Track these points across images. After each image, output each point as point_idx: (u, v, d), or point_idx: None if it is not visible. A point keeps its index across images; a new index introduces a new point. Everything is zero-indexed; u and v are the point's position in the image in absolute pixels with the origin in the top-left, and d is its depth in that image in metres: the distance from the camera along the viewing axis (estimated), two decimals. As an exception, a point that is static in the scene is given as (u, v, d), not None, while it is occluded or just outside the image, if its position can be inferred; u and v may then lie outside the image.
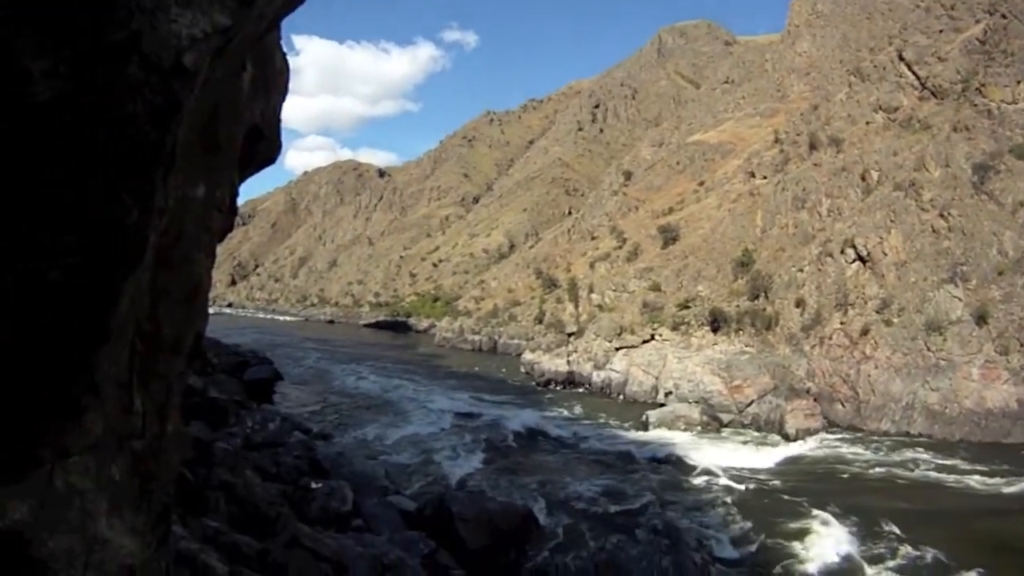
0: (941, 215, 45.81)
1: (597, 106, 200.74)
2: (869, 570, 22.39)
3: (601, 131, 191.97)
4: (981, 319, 39.46)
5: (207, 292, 5.63)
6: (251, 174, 7.55)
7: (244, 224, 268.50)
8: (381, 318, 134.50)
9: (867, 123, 65.40)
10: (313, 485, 23.31)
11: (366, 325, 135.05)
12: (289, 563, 12.87)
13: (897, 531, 24.92)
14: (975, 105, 52.21)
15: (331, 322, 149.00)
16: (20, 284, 3.03)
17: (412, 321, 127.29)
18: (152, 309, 4.34)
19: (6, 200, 2.91)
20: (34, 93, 2.81)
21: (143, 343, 4.25)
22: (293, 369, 63.70)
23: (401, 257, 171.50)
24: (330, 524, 19.72)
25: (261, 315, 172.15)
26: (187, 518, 12.09)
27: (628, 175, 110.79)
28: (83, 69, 2.93)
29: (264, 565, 12.19)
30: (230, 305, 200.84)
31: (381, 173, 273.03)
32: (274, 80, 6.74)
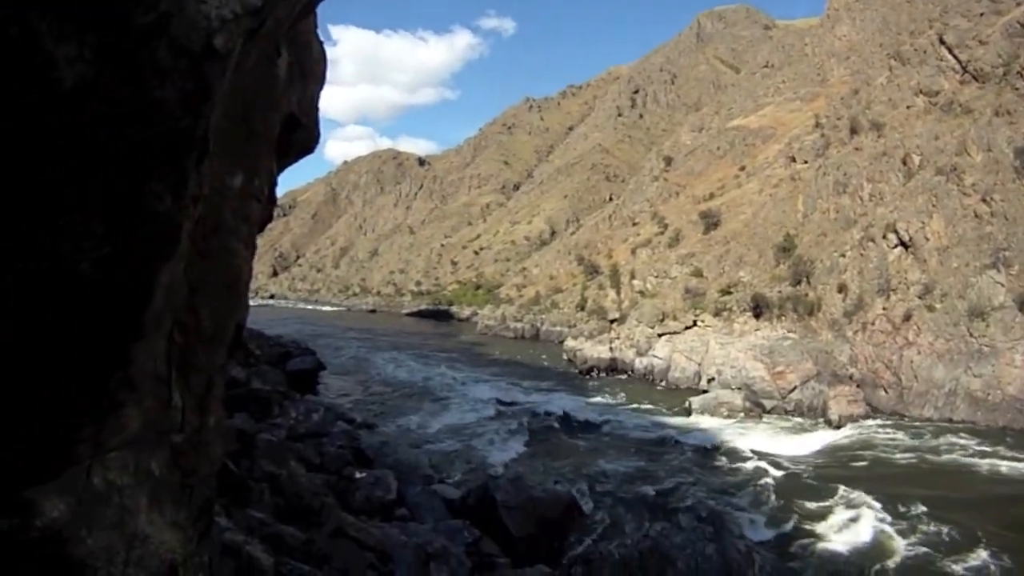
0: (983, 200, 44.92)
1: (636, 91, 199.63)
2: (909, 556, 22.06)
3: (641, 116, 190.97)
4: (1024, 305, 38.82)
5: (247, 282, 5.58)
6: (290, 163, 7.51)
7: (285, 215, 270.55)
8: (423, 307, 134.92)
9: (908, 107, 64.16)
10: (357, 475, 23.38)
11: (408, 314, 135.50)
12: (334, 553, 12.89)
13: (938, 519, 24.44)
14: (1017, 89, 51.05)
15: (373, 311, 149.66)
16: (50, 277, 2.97)
17: (454, 309, 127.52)
18: (191, 300, 4.29)
19: (32, 189, 2.84)
20: (59, 80, 2.73)
21: (181, 335, 4.20)
22: (336, 359, 64.01)
23: (442, 245, 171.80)
24: (374, 513, 19.77)
25: (303, 306, 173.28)
26: (231, 510, 12.14)
27: (668, 160, 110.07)
28: (109, 54, 2.84)
29: (309, 555, 12.21)
30: (272, 296, 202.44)
31: (421, 162, 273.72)
32: (311, 68, 6.68)
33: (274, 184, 6.33)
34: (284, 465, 19.34)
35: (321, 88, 7.24)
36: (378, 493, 21.27)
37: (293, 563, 10.60)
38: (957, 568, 21.24)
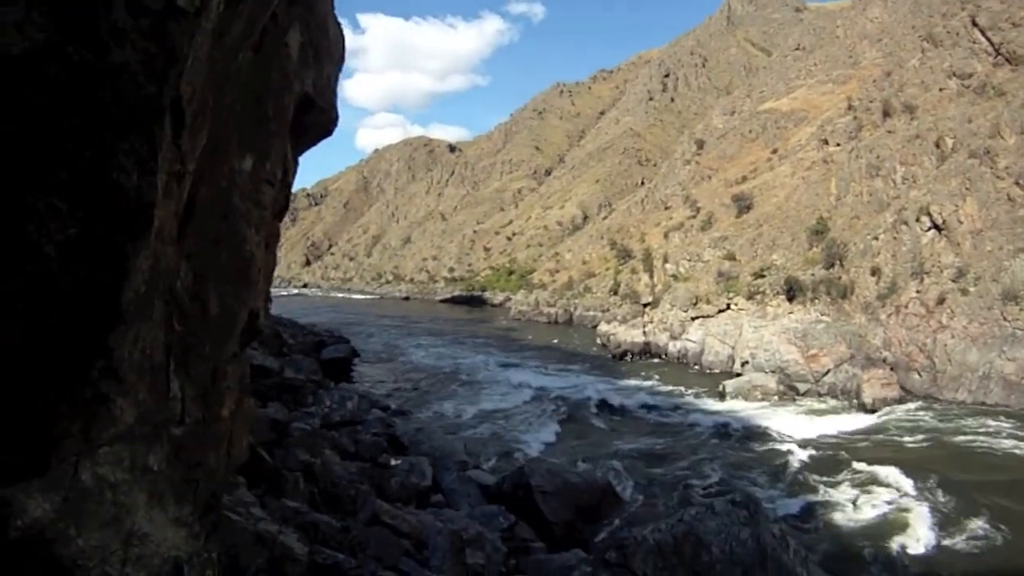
0: (1017, 183, 44.22)
1: (667, 75, 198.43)
2: (942, 539, 21.79)
3: (672, 100, 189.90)
4: (1058, 289, 38.30)
5: (269, 270, 5.49)
6: (307, 147, 7.40)
7: (317, 204, 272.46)
8: (456, 293, 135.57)
9: (940, 89, 63.48)
10: (392, 462, 23.40)
11: (441, 301, 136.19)
12: (369, 540, 12.86)
13: (972, 503, 24.08)
14: None
15: (406, 299, 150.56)
16: (14, 261, 2.82)
17: (487, 295, 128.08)
18: (196, 288, 4.18)
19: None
20: (6, 45, 2.60)
21: (182, 324, 4.08)
22: (369, 347, 64.28)
23: (475, 232, 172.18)
24: (410, 500, 19.76)
25: (336, 294, 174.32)
26: (266, 499, 12.14)
27: (700, 144, 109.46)
28: (61, 16, 2.69)
29: (343, 544, 12.20)
30: (305, 286, 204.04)
31: (452, 148, 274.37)
32: (327, 49, 6.55)
33: (288, 168, 6.21)
34: (318, 454, 19.37)
35: (339, 70, 7.12)
36: (413, 480, 21.25)
37: (328, 552, 10.57)
38: (990, 552, 21.00)
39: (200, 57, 3.33)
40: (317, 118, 6.70)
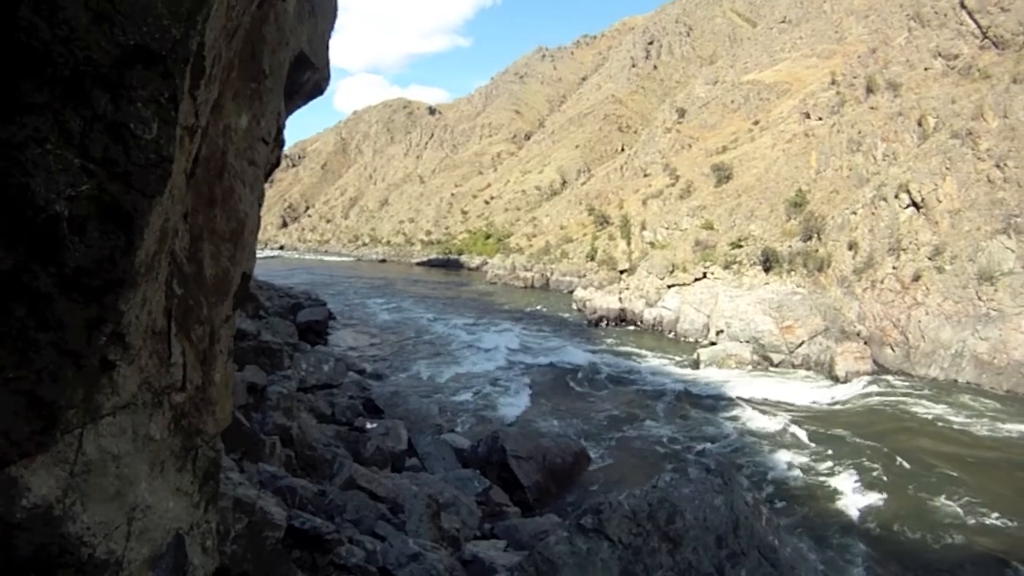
0: (997, 165, 44.46)
1: (651, 43, 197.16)
2: (906, 508, 22.24)
3: (655, 68, 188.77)
4: (1033, 272, 38.61)
5: (254, 230, 5.39)
6: (299, 106, 7.29)
7: (294, 166, 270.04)
8: (433, 256, 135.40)
9: (925, 69, 63.59)
10: (368, 425, 23.44)
11: (418, 264, 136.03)
12: (346, 504, 12.90)
13: (937, 474, 24.68)
14: None
15: (383, 261, 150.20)
16: (21, 219, 2.69)
17: (464, 259, 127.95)
18: (193, 249, 4.09)
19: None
20: None
21: (182, 286, 3.99)
22: (346, 309, 64.22)
23: (452, 195, 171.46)
24: (385, 464, 19.83)
25: (313, 257, 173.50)
26: (244, 464, 12.12)
27: (682, 112, 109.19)
28: None
29: (321, 508, 12.23)
30: (282, 248, 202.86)
31: (432, 110, 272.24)
32: (322, 6, 6.43)
33: (282, 126, 6.11)
34: (295, 417, 19.33)
35: (332, 27, 7.01)
36: (389, 443, 21.30)
37: (306, 516, 10.57)
38: (950, 521, 21.53)
39: (222, 2, 3.22)
40: (311, 76, 6.61)
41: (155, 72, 2.88)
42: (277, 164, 6.09)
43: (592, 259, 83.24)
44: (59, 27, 2.62)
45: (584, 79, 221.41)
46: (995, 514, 21.78)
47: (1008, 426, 30.69)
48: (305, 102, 7.47)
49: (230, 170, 4.62)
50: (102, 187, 2.82)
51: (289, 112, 6.63)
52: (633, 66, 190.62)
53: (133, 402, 3.58)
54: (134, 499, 3.59)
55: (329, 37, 7.13)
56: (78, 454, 3.20)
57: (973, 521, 21.49)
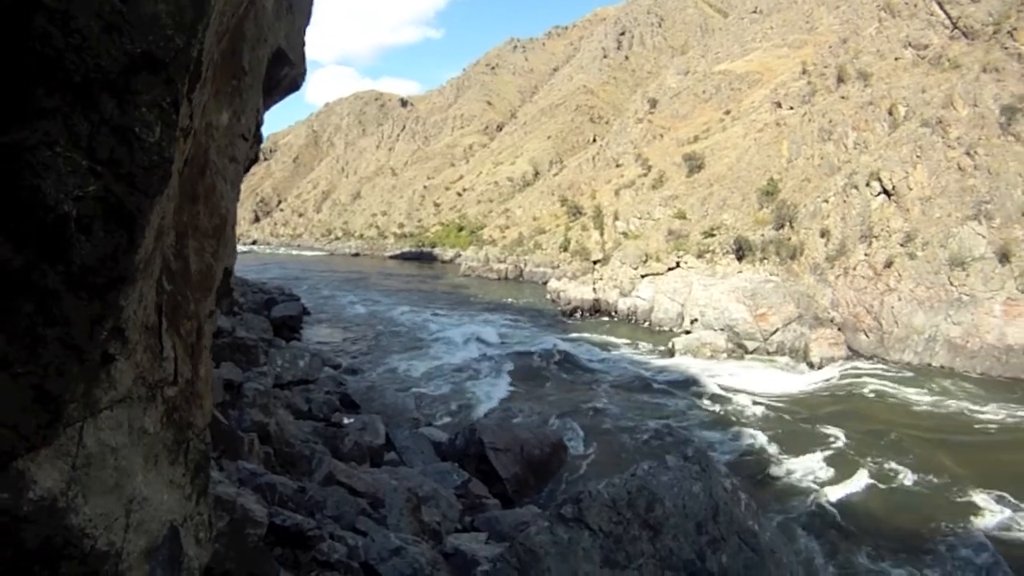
0: (967, 153, 45.09)
1: (623, 33, 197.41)
2: (883, 490, 22.57)
3: (627, 58, 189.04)
4: (1004, 257, 38.95)
5: (234, 225, 5.42)
6: (275, 101, 7.30)
7: (266, 159, 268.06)
8: (406, 249, 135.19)
9: (896, 59, 64.17)
10: (345, 420, 23.42)
11: (391, 257, 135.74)
12: (326, 500, 12.91)
13: (912, 458, 25.03)
14: (1006, 48, 51.14)
15: (356, 255, 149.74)
16: (30, 220, 2.76)
17: (437, 251, 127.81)
18: (179, 245, 4.12)
19: (9, 119, 2.65)
20: None
21: (171, 282, 4.02)
22: (320, 304, 64.02)
23: (425, 187, 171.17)
24: (364, 459, 19.83)
25: (286, 251, 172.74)
26: (223, 462, 12.11)
27: (653, 103, 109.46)
28: None
29: (301, 504, 12.22)
30: (254, 243, 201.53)
31: (403, 102, 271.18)
32: (299, 1, 6.46)
33: (261, 122, 6.12)
34: (272, 414, 19.28)
35: (308, 22, 7.02)
36: (367, 438, 21.27)
37: (287, 513, 10.56)
38: (925, 501, 21.94)
39: (218, 9, 3.28)
40: (288, 72, 6.61)
41: (159, 78, 2.98)
42: (255, 160, 6.10)
43: (565, 250, 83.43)
44: (72, 35, 2.71)
45: (556, 70, 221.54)
46: (969, 493, 22.19)
47: (981, 408, 31.13)
48: (282, 98, 7.47)
49: (212, 167, 4.64)
50: (108, 188, 2.90)
51: (266, 108, 6.63)
52: (605, 56, 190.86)
53: (129, 396, 3.63)
54: (131, 491, 3.63)
55: (305, 32, 7.13)
56: (79, 447, 3.26)
57: (947, 501, 21.88)
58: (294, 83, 7.14)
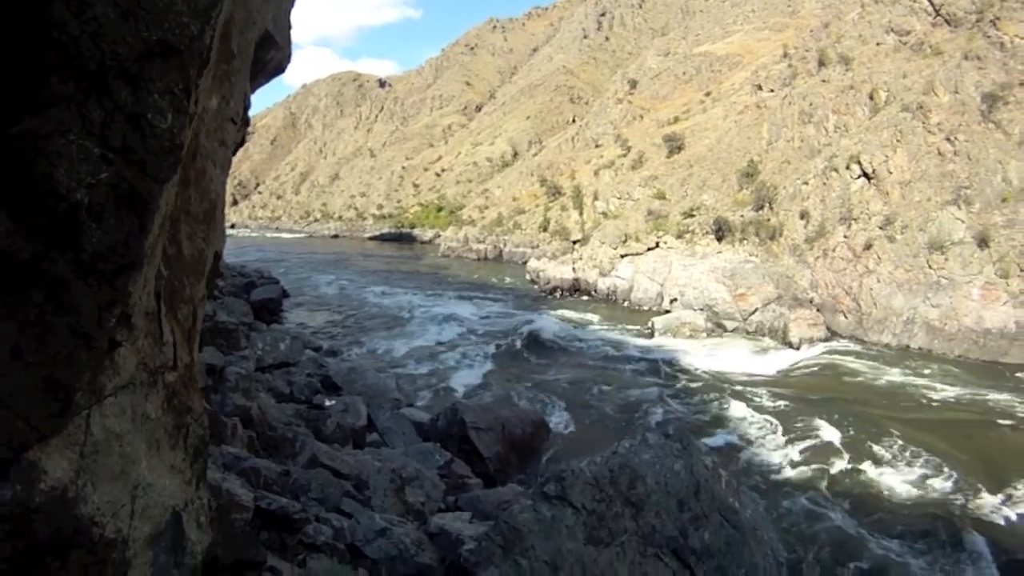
0: (947, 139, 45.37)
1: (603, 14, 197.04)
2: (861, 469, 22.85)
3: (607, 39, 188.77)
4: (983, 242, 39.25)
5: (223, 209, 5.43)
6: (260, 85, 7.28)
7: (243, 142, 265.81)
8: (385, 230, 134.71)
9: (878, 44, 64.39)
10: (327, 403, 23.39)
11: (371, 238, 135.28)
12: (311, 483, 12.92)
13: (889, 436, 25.29)
14: (988, 36, 51.28)
15: (335, 237, 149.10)
16: (43, 208, 2.78)
17: (416, 232, 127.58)
18: (172, 230, 4.12)
19: (24, 107, 2.66)
20: None
21: (167, 268, 4.03)
22: (299, 286, 63.79)
23: (404, 168, 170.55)
24: (346, 441, 19.83)
25: (264, 234, 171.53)
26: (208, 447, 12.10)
27: (633, 84, 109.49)
28: None
29: (286, 487, 12.23)
30: (233, 226, 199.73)
31: (382, 83, 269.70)
32: (284, -17, 6.46)
33: (248, 105, 6.12)
34: (254, 398, 19.23)
35: (293, 5, 7.00)
36: (349, 420, 21.25)
37: (272, 496, 10.58)
38: (898, 481, 22.18)
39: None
40: (275, 55, 6.60)
41: (173, 65, 2.97)
42: (242, 143, 6.10)
43: (545, 230, 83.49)
44: (88, 23, 2.69)
45: (535, 50, 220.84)
46: (945, 471, 22.47)
47: (958, 389, 31.41)
48: (267, 80, 7.47)
49: (202, 151, 4.64)
50: (120, 174, 2.89)
51: (252, 91, 6.62)
52: (585, 37, 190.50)
53: (132, 382, 3.63)
54: (136, 477, 3.64)
55: (290, 15, 7.11)
56: (86, 435, 3.26)
57: (924, 478, 22.14)
58: (279, 66, 7.12)
